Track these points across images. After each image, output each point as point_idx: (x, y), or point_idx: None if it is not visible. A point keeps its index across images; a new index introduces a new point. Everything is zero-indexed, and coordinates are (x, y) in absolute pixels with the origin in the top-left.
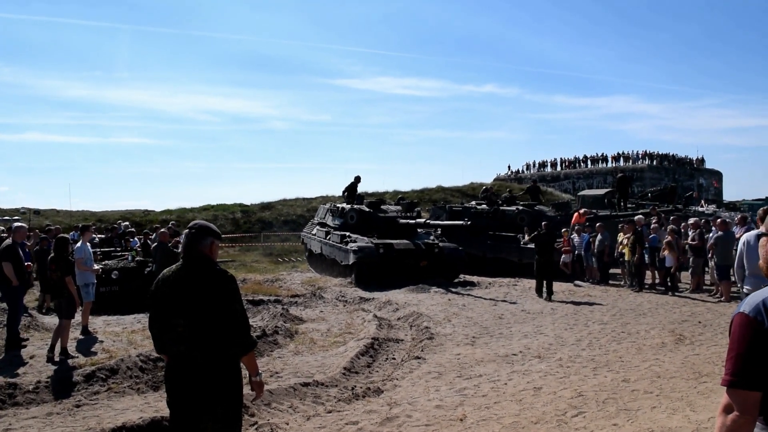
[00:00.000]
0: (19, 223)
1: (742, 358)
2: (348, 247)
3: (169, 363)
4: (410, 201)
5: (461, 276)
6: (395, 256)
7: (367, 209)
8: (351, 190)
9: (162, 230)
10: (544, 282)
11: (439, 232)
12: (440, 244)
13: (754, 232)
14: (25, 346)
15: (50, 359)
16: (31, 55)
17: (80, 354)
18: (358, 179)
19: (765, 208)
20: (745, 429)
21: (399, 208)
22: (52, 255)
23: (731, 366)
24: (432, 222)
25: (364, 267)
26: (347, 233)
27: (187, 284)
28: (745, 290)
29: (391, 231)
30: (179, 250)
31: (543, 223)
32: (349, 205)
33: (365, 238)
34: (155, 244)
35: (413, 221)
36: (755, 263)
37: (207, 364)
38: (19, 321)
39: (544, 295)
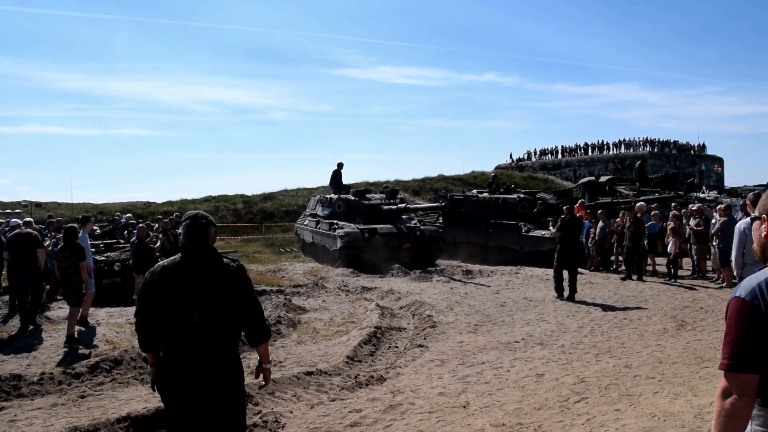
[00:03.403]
0: (15, 219)
1: (739, 341)
2: (335, 233)
3: (173, 360)
4: (393, 189)
5: (464, 265)
6: (379, 239)
7: (353, 198)
8: (336, 177)
9: (140, 225)
10: (566, 278)
11: (441, 221)
12: (421, 227)
13: (748, 219)
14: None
15: (70, 343)
16: (31, 47)
17: (83, 345)
18: (340, 165)
19: (755, 192)
20: (743, 412)
21: (383, 195)
22: (61, 244)
23: (728, 350)
24: (411, 206)
25: (351, 250)
26: (335, 221)
27: (203, 276)
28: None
29: (376, 217)
30: (156, 245)
31: (565, 208)
32: (336, 195)
33: (351, 225)
34: (133, 239)
35: (395, 207)
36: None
37: (220, 357)
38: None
39: (565, 293)
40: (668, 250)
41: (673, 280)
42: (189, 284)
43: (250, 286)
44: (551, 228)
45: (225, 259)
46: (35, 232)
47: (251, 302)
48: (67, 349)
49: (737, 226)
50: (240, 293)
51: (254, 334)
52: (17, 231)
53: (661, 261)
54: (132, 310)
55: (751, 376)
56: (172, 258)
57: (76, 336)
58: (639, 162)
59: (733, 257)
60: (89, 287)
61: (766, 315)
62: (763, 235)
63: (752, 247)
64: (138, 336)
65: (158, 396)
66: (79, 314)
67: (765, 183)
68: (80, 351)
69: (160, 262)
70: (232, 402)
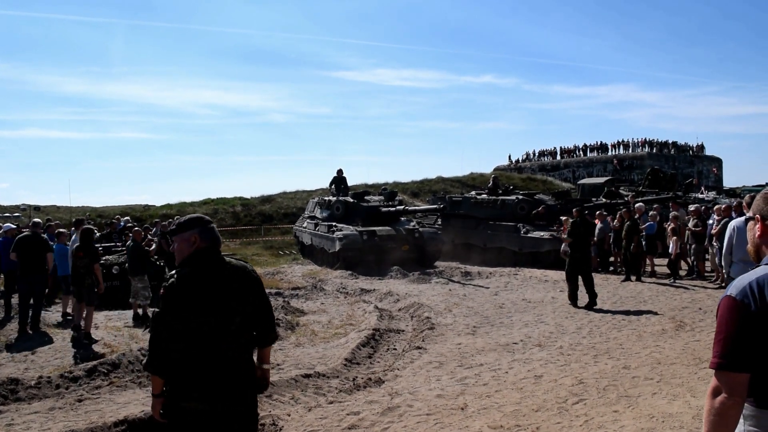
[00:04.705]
0: (8, 224)
1: (729, 340)
2: (334, 235)
3: (208, 373)
4: (391, 191)
5: (462, 266)
6: (378, 242)
7: (352, 200)
8: (337, 182)
9: (135, 228)
10: (581, 284)
11: (440, 222)
12: (420, 229)
13: (742, 218)
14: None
15: (88, 341)
16: (29, 51)
17: (80, 348)
18: (340, 172)
19: (751, 194)
20: (733, 411)
21: (382, 197)
22: (77, 244)
23: (719, 348)
24: (410, 208)
25: (349, 253)
26: (334, 223)
27: (234, 281)
28: (734, 273)
29: (375, 219)
30: (151, 248)
31: (574, 210)
32: (335, 198)
33: (350, 227)
34: (129, 242)
35: (394, 209)
36: (743, 249)
37: (249, 362)
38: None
39: (580, 301)
40: (669, 250)
41: (673, 281)
42: (226, 290)
43: (264, 287)
44: (562, 235)
45: (240, 261)
46: (44, 235)
47: (267, 303)
48: (79, 346)
49: (731, 223)
50: (263, 293)
51: (268, 334)
52: (25, 233)
53: (660, 262)
54: (130, 313)
55: (741, 375)
56: (189, 265)
57: (92, 335)
58: (651, 168)
59: (722, 253)
60: (102, 287)
61: (757, 314)
62: (756, 235)
63: (747, 248)
64: (154, 354)
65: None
66: (85, 320)
67: (764, 183)
68: (79, 354)
69: (180, 271)
70: (256, 407)
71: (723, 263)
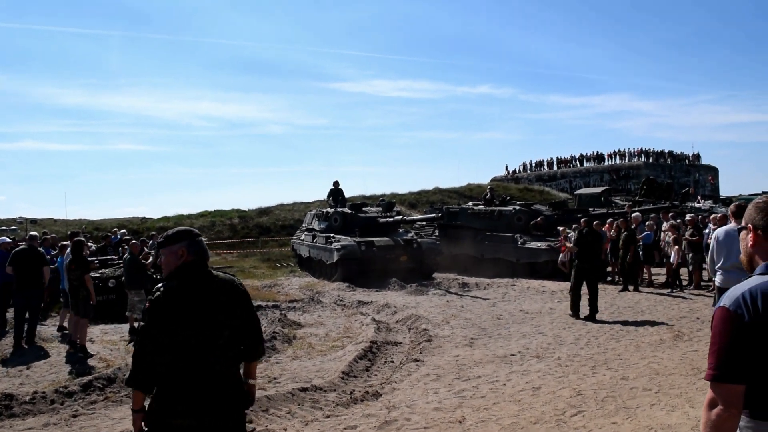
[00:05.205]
0: (3, 238)
1: (724, 351)
2: (332, 246)
3: (195, 388)
4: (389, 202)
5: (460, 278)
6: (376, 252)
7: (350, 211)
8: (334, 194)
9: (133, 241)
10: (584, 295)
11: (437, 233)
12: (419, 239)
13: (723, 228)
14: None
15: (83, 355)
16: (26, 63)
17: (77, 363)
18: (336, 183)
19: (737, 203)
20: (729, 423)
21: (379, 208)
22: (70, 257)
23: (714, 360)
24: (408, 218)
25: (347, 263)
26: (332, 234)
27: (222, 294)
28: (717, 282)
29: (373, 229)
30: (148, 261)
31: (583, 220)
32: (332, 209)
33: (348, 238)
34: (126, 255)
35: (392, 219)
36: (723, 257)
37: (237, 377)
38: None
39: (582, 313)
40: (671, 260)
41: (671, 290)
42: (213, 304)
43: (251, 301)
44: (567, 243)
45: (228, 275)
46: (41, 249)
47: (255, 317)
48: (74, 360)
49: (713, 233)
50: (247, 308)
51: (256, 347)
52: (22, 247)
53: (657, 271)
54: (126, 327)
55: (736, 387)
56: (176, 278)
57: (87, 349)
58: (646, 178)
59: (707, 262)
60: (93, 298)
61: (750, 324)
62: (749, 244)
63: (740, 257)
64: (138, 369)
65: None
66: (79, 333)
67: (759, 192)
68: (74, 368)
69: (166, 284)
70: (244, 423)
71: (709, 271)
